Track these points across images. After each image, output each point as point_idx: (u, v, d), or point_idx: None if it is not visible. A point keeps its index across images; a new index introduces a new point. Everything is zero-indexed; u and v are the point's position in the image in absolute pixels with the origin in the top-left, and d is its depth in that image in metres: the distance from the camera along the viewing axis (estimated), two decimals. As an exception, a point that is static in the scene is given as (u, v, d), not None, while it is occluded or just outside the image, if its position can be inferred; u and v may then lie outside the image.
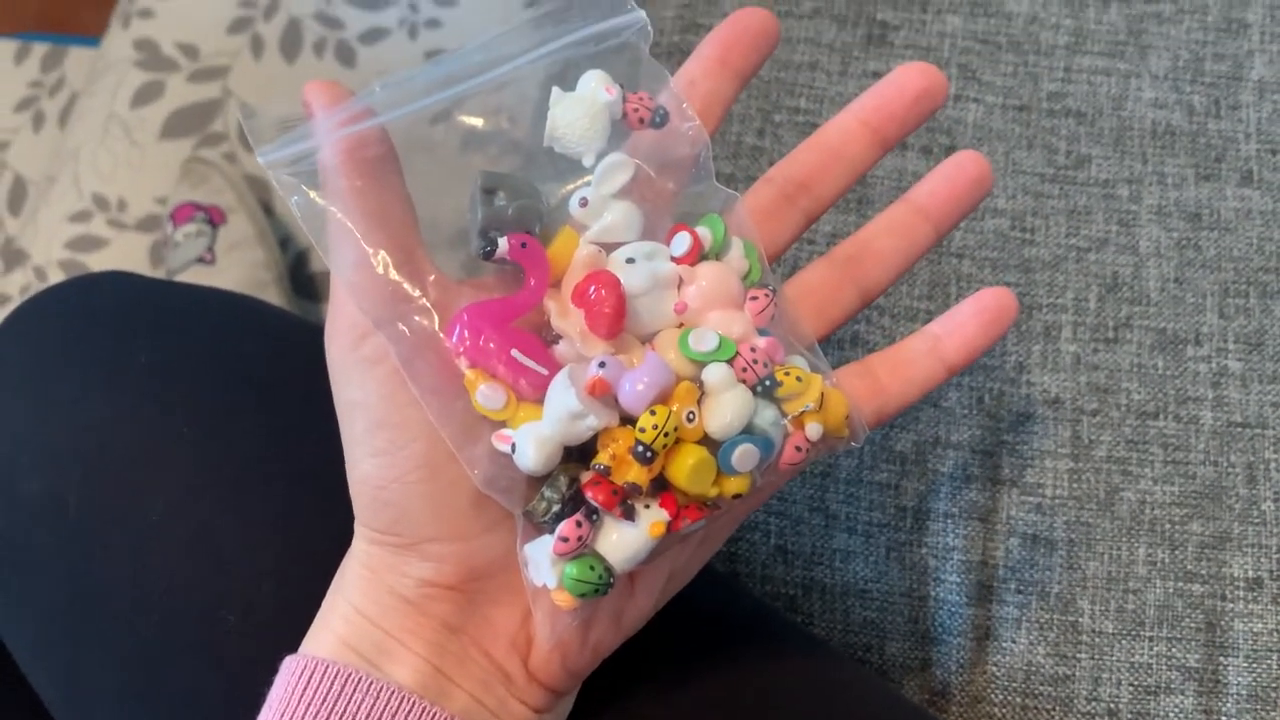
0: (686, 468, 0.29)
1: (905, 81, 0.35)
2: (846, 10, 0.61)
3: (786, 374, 0.30)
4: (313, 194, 0.30)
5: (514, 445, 0.29)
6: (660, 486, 0.30)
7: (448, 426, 0.30)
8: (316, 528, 0.39)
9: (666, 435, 0.28)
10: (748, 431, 0.30)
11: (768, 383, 0.30)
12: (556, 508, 0.29)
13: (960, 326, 0.35)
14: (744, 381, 0.30)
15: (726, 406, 0.29)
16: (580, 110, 0.30)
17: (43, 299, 0.43)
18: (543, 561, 0.30)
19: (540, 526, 0.30)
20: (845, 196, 0.56)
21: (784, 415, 0.31)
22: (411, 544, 0.31)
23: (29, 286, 0.94)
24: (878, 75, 0.59)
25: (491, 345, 0.30)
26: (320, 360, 0.43)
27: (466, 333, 0.30)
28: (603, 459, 0.29)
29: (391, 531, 0.31)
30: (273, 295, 0.89)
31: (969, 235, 0.56)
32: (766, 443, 0.30)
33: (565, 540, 0.29)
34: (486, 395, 0.29)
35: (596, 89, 0.31)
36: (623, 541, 0.30)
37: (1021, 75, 0.59)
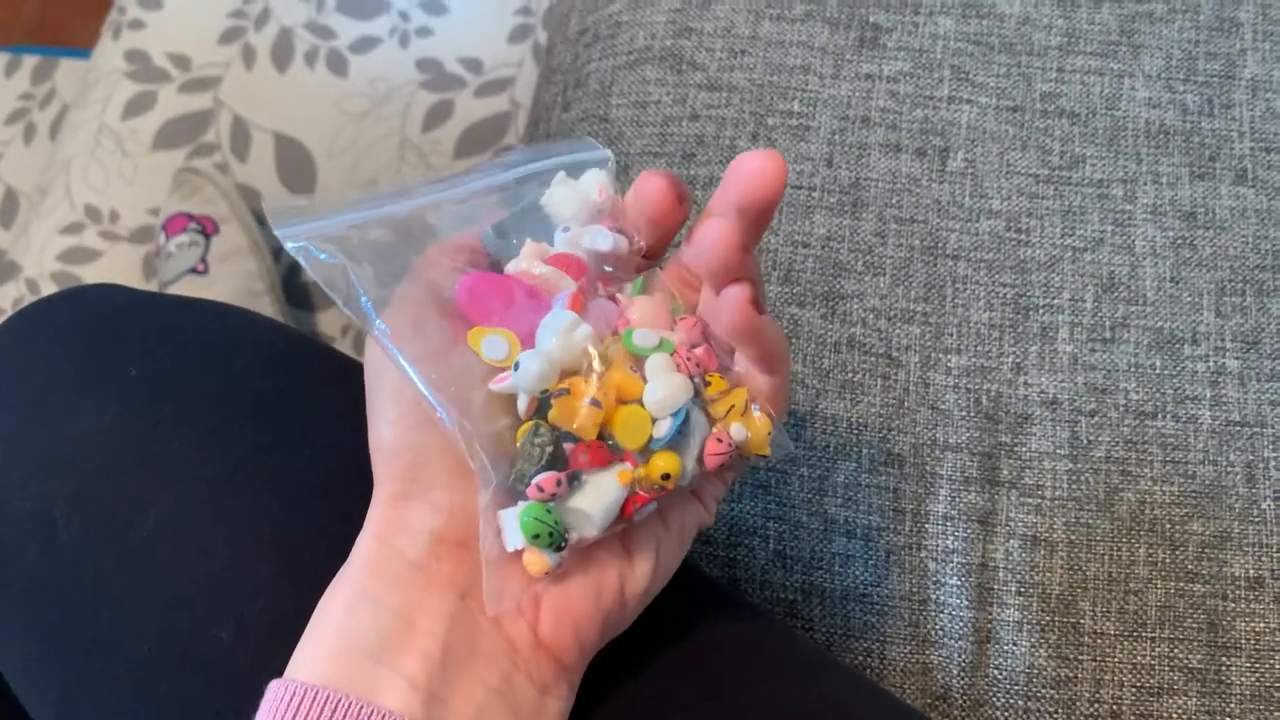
0: (620, 418, 0.33)
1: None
2: (839, 13, 0.60)
3: (714, 378, 0.35)
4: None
5: (517, 364, 0.32)
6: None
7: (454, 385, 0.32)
8: (309, 540, 0.38)
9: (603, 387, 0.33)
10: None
11: (697, 380, 0.34)
12: (550, 449, 0.32)
13: None
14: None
15: (664, 384, 0.33)
16: (572, 196, 0.36)
17: (30, 313, 0.42)
18: (514, 525, 0.32)
19: (517, 494, 0.33)
20: (839, 200, 0.56)
21: (709, 417, 0.34)
22: (424, 491, 0.33)
23: (21, 299, 0.94)
24: (870, 78, 0.59)
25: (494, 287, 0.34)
26: (310, 371, 0.43)
27: (472, 282, 0.34)
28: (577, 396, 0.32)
29: (406, 478, 0.33)
30: (266, 305, 0.88)
31: (964, 237, 0.55)
32: (682, 413, 0.33)
33: (541, 490, 0.32)
34: (492, 345, 0.33)
35: (592, 186, 0.36)
36: (600, 488, 0.33)
37: (1014, 76, 0.59)
